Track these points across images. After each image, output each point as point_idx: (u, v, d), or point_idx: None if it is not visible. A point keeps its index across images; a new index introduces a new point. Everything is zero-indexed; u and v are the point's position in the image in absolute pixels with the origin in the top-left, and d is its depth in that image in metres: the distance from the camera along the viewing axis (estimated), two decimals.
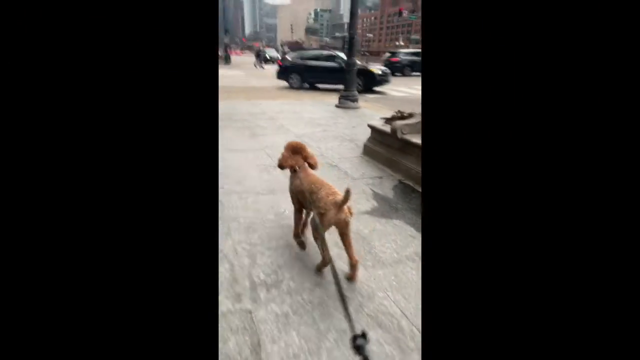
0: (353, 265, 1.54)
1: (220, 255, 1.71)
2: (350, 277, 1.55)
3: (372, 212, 2.25)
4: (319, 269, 1.61)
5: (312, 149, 3.65)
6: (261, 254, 1.74)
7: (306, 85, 10.10)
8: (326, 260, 1.46)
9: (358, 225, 2.05)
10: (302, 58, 10.27)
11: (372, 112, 6.29)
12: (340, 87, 9.07)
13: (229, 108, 6.08)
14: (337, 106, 6.65)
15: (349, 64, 6.51)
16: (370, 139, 3.55)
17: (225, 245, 1.80)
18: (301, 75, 9.99)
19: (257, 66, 20.51)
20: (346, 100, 6.60)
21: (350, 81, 6.59)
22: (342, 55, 9.30)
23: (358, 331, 0.73)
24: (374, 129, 3.46)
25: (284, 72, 10.35)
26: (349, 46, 6.43)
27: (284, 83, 10.26)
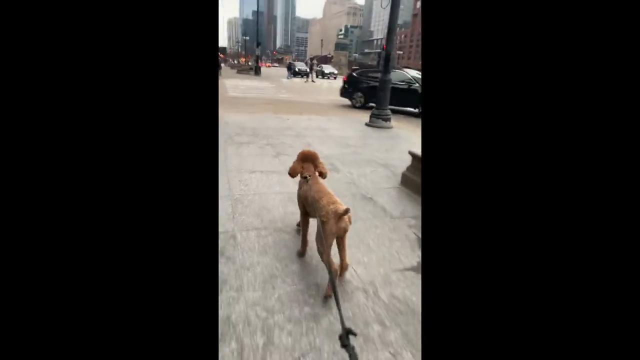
0: (343, 267, 1.62)
1: (227, 324, 1.32)
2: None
3: (420, 269, 1.80)
4: (326, 297, 1.52)
5: (342, 175, 3.31)
6: (280, 328, 1.33)
7: (371, 104, 9.01)
8: (333, 280, 1.21)
9: (404, 289, 1.60)
10: (367, 76, 9.26)
11: (406, 132, 5.85)
12: (410, 109, 8.61)
13: (255, 122, 5.82)
14: (367, 124, 6.25)
15: (384, 80, 6.13)
16: (410, 168, 3.11)
17: (235, 308, 1.40)
18: (365, 94, 9.09)
19: (307, 78, 22.15)
20: (378, 119, 6.19)
21: (384, 99, 6.20)
22: (415, 73, 8.48)
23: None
24: (415, 156, 3.03)
25: (349, 89, 9.50)
26: (385, 62, 6.06)
27: (312, 97, 9.98)
